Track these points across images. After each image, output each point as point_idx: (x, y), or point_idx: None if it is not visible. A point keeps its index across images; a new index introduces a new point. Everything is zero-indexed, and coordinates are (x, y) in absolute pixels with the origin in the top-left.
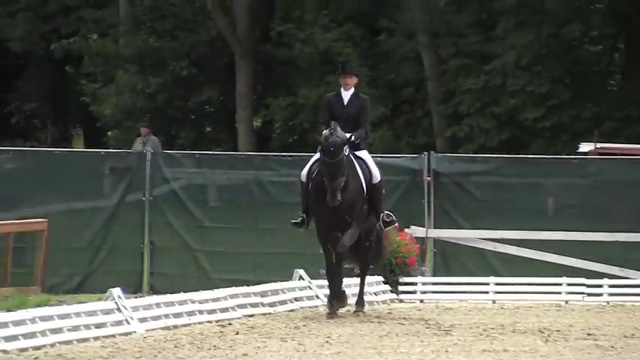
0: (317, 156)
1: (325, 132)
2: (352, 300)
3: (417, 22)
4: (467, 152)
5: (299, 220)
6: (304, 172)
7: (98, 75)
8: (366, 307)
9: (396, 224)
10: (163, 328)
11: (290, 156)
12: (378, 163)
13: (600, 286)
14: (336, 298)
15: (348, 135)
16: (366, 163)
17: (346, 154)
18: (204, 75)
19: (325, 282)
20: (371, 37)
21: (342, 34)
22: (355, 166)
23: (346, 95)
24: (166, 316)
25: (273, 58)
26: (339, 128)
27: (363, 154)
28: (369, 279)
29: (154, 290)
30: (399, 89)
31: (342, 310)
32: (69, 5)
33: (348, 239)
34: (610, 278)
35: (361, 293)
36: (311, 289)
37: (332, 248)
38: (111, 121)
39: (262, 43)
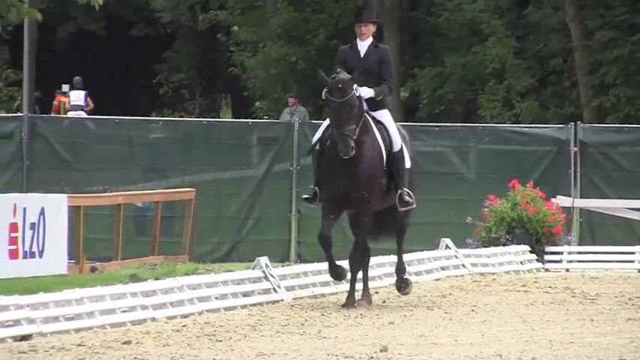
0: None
1: (332, 75)
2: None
3: None
4: (613, 122)
5: (311, 194)
6: (317, 135)
7: (247, 46)
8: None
9: (414, 206)
10: (310, 297)
11: (437, 126)
12: (525, 134)
13: None
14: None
15: (368, 89)
16: (385, 128)
17: (357, 94)
18: None
19: (472, 251)
20: (518, 9)
21: (489, 5)
22: (373, 131)
23: (363, 46)
24: (313, 284)
25: (420, 28)
26: (344, 72)
27: (384, 115)
28: (510, 248)
29: (301, 259)
30: (546, 60)
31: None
32: None
33: (363, 243)
34: None
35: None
36: (457, 257)
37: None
38: (258, 92)
39: (409, 13)
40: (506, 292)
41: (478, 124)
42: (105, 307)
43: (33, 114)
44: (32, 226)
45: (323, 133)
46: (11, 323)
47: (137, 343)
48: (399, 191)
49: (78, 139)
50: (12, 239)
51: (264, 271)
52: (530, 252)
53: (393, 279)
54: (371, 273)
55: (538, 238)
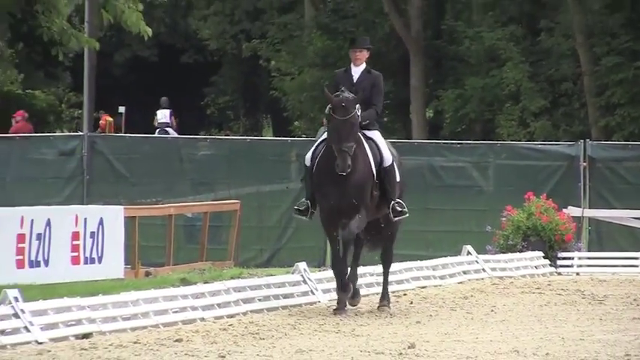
0: (322, 137)
1: (337, 93)
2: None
3: (574, 22)
4: (619, 140)
5: (303, 207)
6: (309, 155)
7: (287, 71)
8: (391, 298)
9: (407, 215)
10: None
11: (459, 143)
12: (538, 150)
13: None
14: (344, 290)
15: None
16: (376, 144)
17: (358, 114)
18: (382, 70)
19: (491, 257)
20: (532, 37)
21: (506, 33)
22: (364, 147)
23: (356, 71)
24: None
25: (443, 54)
26: (348, 91)
27: (375, 134)
28: (526, 254)
29: None
30: (557, 83)
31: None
32: (258, 9)
33: (356, 226)
34: None
35: (385, 287)
36: (478, 262)
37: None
38: (297, 112)
39: (433, 40)
40: (522, 294)
41: (496, 142)
42: (158, 308)
43: (92, 133)
44: (92, 234)
45: (315, 150)
46: (74, 323)
47: (188, 340)
48: (392, 202)
49: (133, 156)
50: (74, 247)
51: (302, 276)
52: (544, 257)
53: (420, 282)
54: (399, 277)
55: (551, 244)
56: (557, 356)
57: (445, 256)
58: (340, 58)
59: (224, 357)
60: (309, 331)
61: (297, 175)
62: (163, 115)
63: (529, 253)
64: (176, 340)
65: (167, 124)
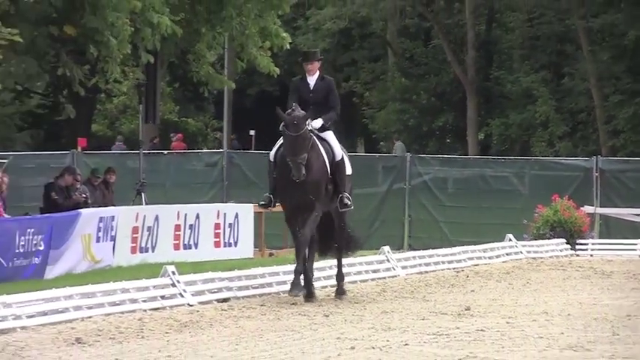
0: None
1: (288, 111)
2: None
3: (588, 69)
4: (622, 156)
5: (266, 201)
6: (272, 152)
7: (374, 105)
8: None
9: (351, 208)
10: (418, 273)
11: (503, 159)
12: (562, 164)
13: None
14: (297, 284)
15: (318, 119)
16: (328, 143)
17: (309, 128)
18: (445, 104)
19: (527, 243)
20: (557, 80)
21: (538, 78)
22: (318, 147)
23: (312, 80)
24: (419, 265)
25: (491, 93)
26: (299, 108)
27: (328, 135)
28: (552, 241)
29: (412, 248)
30: (576, 114)
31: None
32: (354, 59)
33: (309, 230)
34: None
35: (340, 269)
36: (517, 247)
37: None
38: (382, 135)
39: (484, 83)
40: (550, 270)
41: (531, 157)
42: (279, 280)
43: (230, 150)
44: (230, 225)
45: (277, 150)
46: (216, 290)
47: (301, 304)
48: (340, 195)
49: (260, 167)
50: (216, 234)
51: (386, 256)
52: (566, 243)
53: (474, 261)
54: (458, 257)
55: (571, 234)
56: (576, 316)
57: (493, 242)
58: (415, 94)
59: (327, 316)
60: (390, 297)
61: (383, 181)
62: None
63: (555, 240)
64: (292, 304)
65: None
